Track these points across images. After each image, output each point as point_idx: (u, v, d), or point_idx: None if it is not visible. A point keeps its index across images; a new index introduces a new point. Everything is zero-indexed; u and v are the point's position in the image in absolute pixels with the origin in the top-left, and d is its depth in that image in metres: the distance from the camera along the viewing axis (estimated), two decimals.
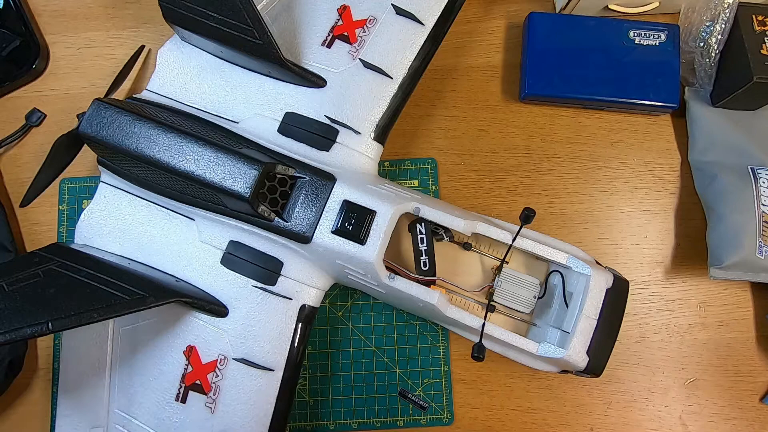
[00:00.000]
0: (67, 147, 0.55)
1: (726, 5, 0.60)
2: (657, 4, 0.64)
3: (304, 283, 0.53)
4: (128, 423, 0.53)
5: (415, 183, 0.64)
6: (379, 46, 0.56)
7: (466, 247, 0.57)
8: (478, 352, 0.48)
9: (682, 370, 0.61)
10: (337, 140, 0.54)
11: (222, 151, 0.49)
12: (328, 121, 0.54)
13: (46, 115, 0.65)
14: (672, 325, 0.62)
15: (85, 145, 0.54)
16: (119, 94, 0.63)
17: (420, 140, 0.65)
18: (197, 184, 0.50)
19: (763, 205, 0.58)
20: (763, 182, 0.59)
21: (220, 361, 0.52)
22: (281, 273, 0.52)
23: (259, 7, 0.53)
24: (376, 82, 0.55)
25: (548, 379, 0.60)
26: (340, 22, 0.57)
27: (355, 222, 0.49)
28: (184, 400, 0.52)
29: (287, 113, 0.55)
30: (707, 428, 0.60)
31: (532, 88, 0.63)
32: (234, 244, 0.53)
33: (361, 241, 0.48)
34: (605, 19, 0.64)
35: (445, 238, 0.56)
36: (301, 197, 0.50)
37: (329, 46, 0.57)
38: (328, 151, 0.54)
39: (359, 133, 0.54)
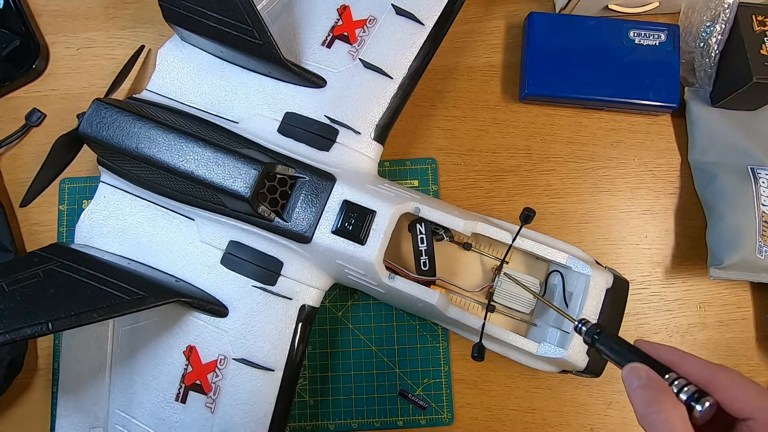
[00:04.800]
0: (67, 147, 0.55)
1: (726, 5, 0.60)
2: (657, 4, 0.64)
3: (304, 283, 0.53)
4: (128, 423, 0.53)
5: (415, 183, 0.64)
6: (379, 46, 0.56)
7: (466, 247, 0.57)
8: (478, 352, 0.48)
9: None
10: (337, 140, 0.54)
11: (222, 151, 0.49)
12: (328, 121, 0.54)
13: (46, 115, 0.65)
14: (672, 325, 0.62)
15: (85, 145, 0.54)
16: (119, 94, 0.63)
17: (420, 140, 0.65)
18: (197, 184, 0.50)
19: (763, 205, 0.58)
20: (763, 182, 0.59)
21: (220, 361, 0.52)
22: (281, 273, 0.52)
23: (259, 7, 0.53)
24: (376, 82, 0.55)
25: (548, 379, 0.60)
26: (340, 22, 0.57)
27: (355, 222, 0.49)
28: (184, 400, 0.52)
29: (287, 113, 0.55)
30: None
31: (532, 88, 0.63)
32: (234, 244, 0.53)
33: (361, 241, 0.48)
34: (605, 19, 0.64)
35: (445, 238, 0.56)
36: (301, 197, 0.50)
37: (329, 46, 0.57)
38: (328, 151, 0.54)
39: (359, 133, 0.54)
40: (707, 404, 0.28)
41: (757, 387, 0.29)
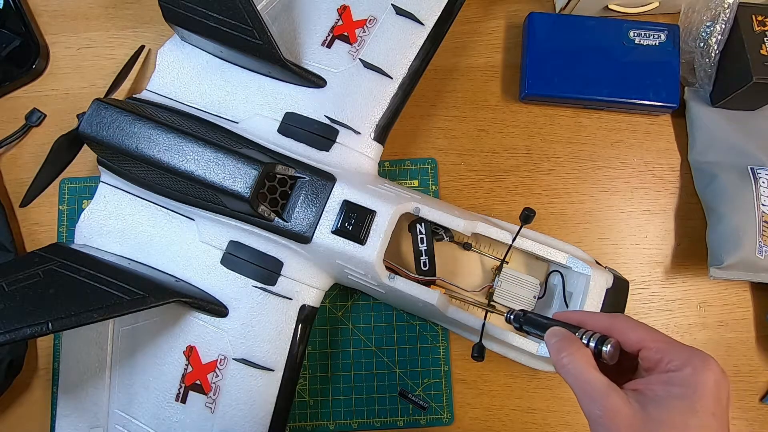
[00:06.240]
0: (67, 147, 0.55)
1: (726, 5, 0.60)
2: (657, 4, 0.64)
3: (304, 283, 0.53)
4: (128, 423, 0.53)
5: (415, 183, 0.64)
6: (379, 46, 0.56)
7: (466, 247, 0.57)
8: (478, 352, 0.48)
9: None
10: (337, 140, 0.54)
11: (222, 151, 0.49)
12: (328, 121, 0.54)
13: (46, 115, 0.65)
14: (672, 325, 0.62)
15: (85, 145, 0.54)
16: (119, 94, 0.63)
17: (420, 140, 0.65)
18: (197, 184, 0.50)
19: (763, 205, 0.58)
20: (763, 182, 0.59)
21: (220, 361, 0.52)
22: (281, 273, 0.52)
23: (259, 7, 0.53)
24: (376, 82, 0.55)
25: (548, 379, 0.60)
26: (340, 22, 0.57)
27: (355, 222, 0.49)
28: (184, 400, 0.52)
29: (287, 113, 0.55)
30: None
31: (532, 88, 0.63)
32: (234, 244, 0.53)
33: (361, 241, 0.48)
34: (605, 19, 0.64)
35: (445, 238, 0.56)
36: (301, 197, 0.50)
37: (329, 46, 0.57)
38: (328, 151, 0.54)
39: (359, 133, 0.54)
40: (610, 344, 0.34)
41: (645, 325, 0.35)
